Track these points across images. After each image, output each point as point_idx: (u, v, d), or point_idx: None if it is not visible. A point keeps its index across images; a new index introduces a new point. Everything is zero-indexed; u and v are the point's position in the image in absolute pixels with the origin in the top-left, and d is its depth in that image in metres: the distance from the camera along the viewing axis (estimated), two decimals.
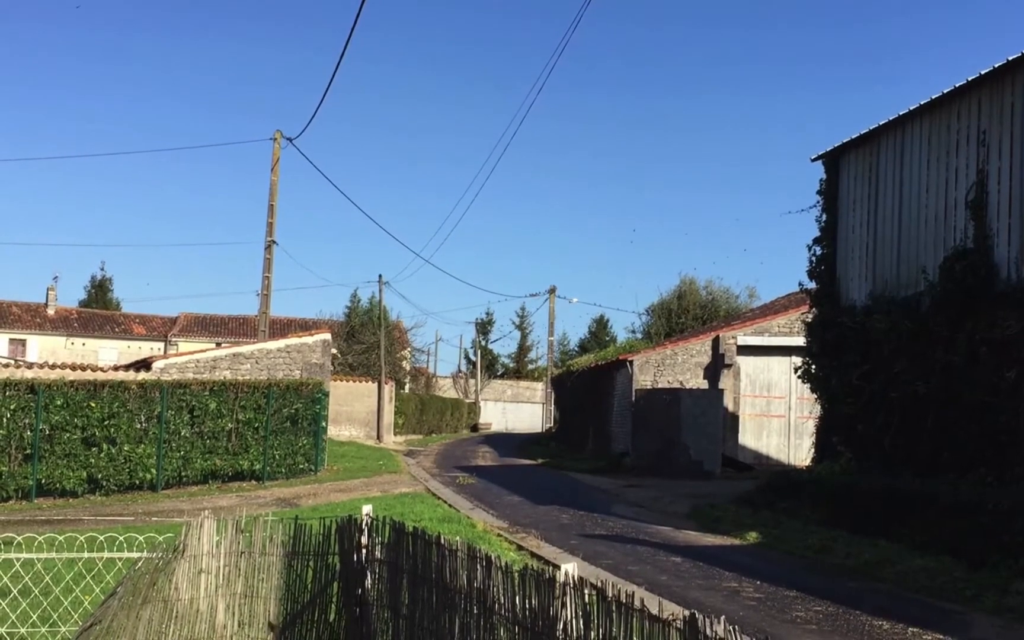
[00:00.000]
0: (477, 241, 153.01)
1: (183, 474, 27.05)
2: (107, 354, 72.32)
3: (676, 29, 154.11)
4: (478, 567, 6.33)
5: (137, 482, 26.14)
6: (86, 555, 9.34)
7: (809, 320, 25.77)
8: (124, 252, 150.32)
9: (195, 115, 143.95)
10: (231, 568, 8.79)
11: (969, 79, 19.45)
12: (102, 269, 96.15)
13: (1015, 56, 18.23)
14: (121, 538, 9.90)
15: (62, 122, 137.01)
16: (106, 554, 9.42)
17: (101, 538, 9.77)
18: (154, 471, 26.34)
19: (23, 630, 9.78)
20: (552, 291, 77.54)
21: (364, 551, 8.46)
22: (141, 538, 9.74)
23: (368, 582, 8.39)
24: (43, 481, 24.80)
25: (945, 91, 20.22)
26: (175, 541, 8.63)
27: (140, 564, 8.41)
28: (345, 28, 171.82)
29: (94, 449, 25.42)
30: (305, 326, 64.11)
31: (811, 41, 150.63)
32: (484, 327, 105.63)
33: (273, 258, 39.84)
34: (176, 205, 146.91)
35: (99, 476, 25.47)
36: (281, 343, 34.15)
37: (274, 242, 39.95)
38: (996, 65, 18.72)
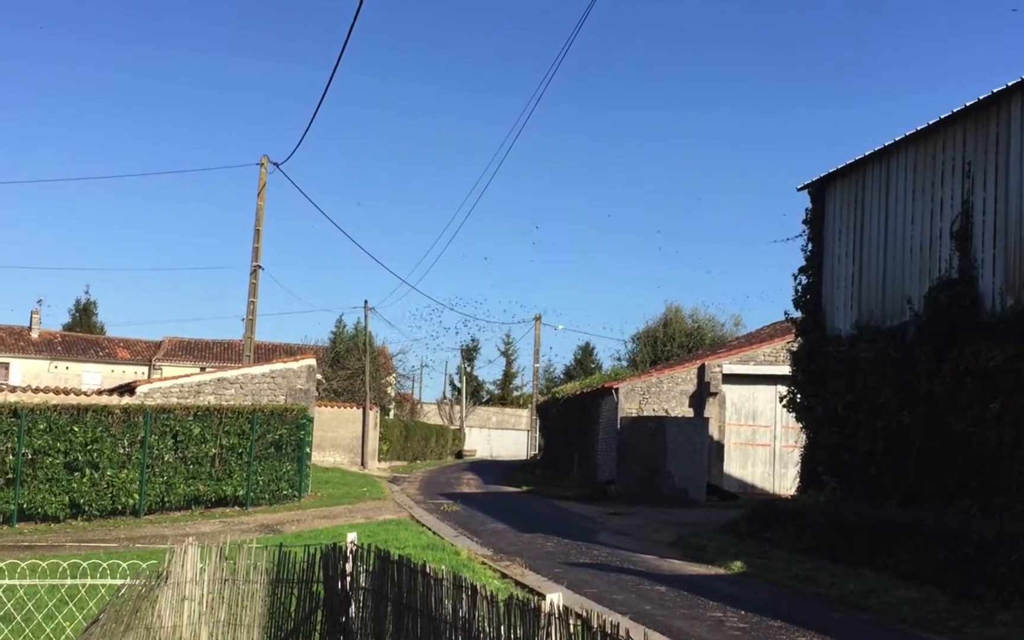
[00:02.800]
0: (464, 266, 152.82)
1: (166, 499, 26.91)
2: (91, 378, 71.99)
3: (663, 48, 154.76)
4: (463, 596, 6.31)
5: (120, 507, 25.99)
6: (68, 582, 9.27)
7: (794, 349, 25.82)
8: (109, 276, 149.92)
9: (183, 138, 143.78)
10: (214, 596, 8.75)
11: (954, 110, 19.57)
12: (87, 292, 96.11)
13: (1000, 88, 18.35)
14: (104, 564, 9.83)
15: (47, 145, 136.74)
16: (88, 581, 9.34)
17: (84, 564, 9.69)
18: (137, 496, 26.19)
19: None
20: (538, 318, 77.63)
21: (348, 579, 8.42)
22: (124, 565, 9.68)
23: (352, 611, 8.35)
24: (25, 506, 24.64)
25: (930, 122, 20.35)
26: (158, 568, 8.58)
27: (123, 591, 8.36)
28: (333, 50, 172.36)
29: (77, 474, 25.27)
30: (290, 351, 63.95)
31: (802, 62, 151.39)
32: (470, 353, 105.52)
33: (259, 283, 39.79)
34: (162, 229, 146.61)
35: (81, 501, 25.31)
36: (266, 368, 34.04)
37: (260, 267, 39.90)
38: (981, 97, 18.85)
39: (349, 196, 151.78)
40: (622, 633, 4.51)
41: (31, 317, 77.99)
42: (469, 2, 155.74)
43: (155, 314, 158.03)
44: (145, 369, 73.88)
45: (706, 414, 37.74)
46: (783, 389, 27.50)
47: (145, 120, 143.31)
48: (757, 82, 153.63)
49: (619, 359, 73.41)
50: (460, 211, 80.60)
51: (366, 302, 60.93)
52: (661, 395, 39.12)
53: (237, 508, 28.20)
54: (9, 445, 24.55)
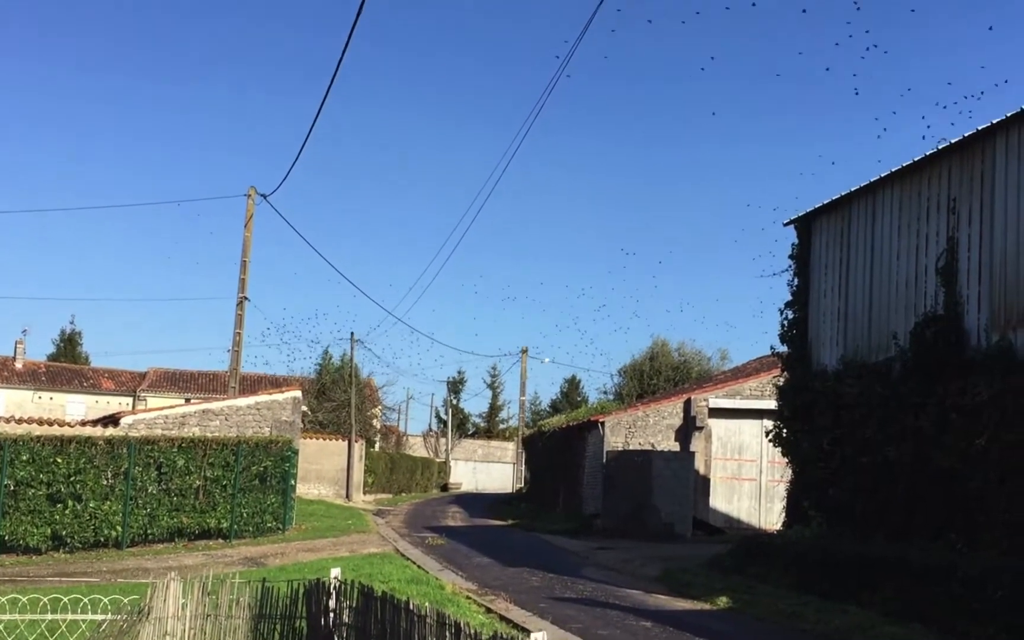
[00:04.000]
0: (451, 299, 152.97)
1: (149, 531, 26.73)
2: (75, 408, 71.66)
3: (655, 84, 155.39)
4: (447, 634, 6.26)
5: (102, 539, 25.82)
6: (49, 617, 9.19)
7: (781, 384, 25.84)
8: (94, 306, 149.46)
9: (170, 168, 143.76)
10: (196, 631, 8.67)
11: (939, 147, 19.69)
12: (72, 323, 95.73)
13: (984, 126, 18.47)
14: (85, 599, 9.73)
15: (33, 175, 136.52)
16: (69, 616, 9.26)
17: (65, 599, 9.61)
18: (120, 528, 26.03)
19: None
20: (524, 351, 77.51)
21: (332, 615, 8.35)
22: (105, 599, 9.58)
23: None
24: (6, 537, 24.46)
25: (916, 159, 20.45)
26: (140, 603, 8.50)
27: (104, 627, 8.28)
28: (322, 79, 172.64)
29: (59, 505, 25.11)
30: (276, 383, 63.73)
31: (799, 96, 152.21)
32: (456, 386, 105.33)
33: (245, 314, 39.68)
34: (148, 258, 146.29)
35: (64, 533, 25.15)
36: (251, 400, 33.94)
37: (246, 298, 39.81)
38: (966, 134, 18.96)
39: (337, 225, 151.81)
40: None
41: (15, 347, 77.66)
42: (459, 31, 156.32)
43: (140, 345, 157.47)
44: (130, 400, 73.57)
45: (692, 448, 37.70)
46: (769, 423, 27.50)
47: (132, 150, 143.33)
48: (740, 115, 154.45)
49: (605, 392, 73.38)
50: (450, 240, 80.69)
51: (352, 334, 61.03)
52: (647, 429, 39.09)
53: (221, 541, 28.03)
54: None
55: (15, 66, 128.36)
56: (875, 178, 21.85)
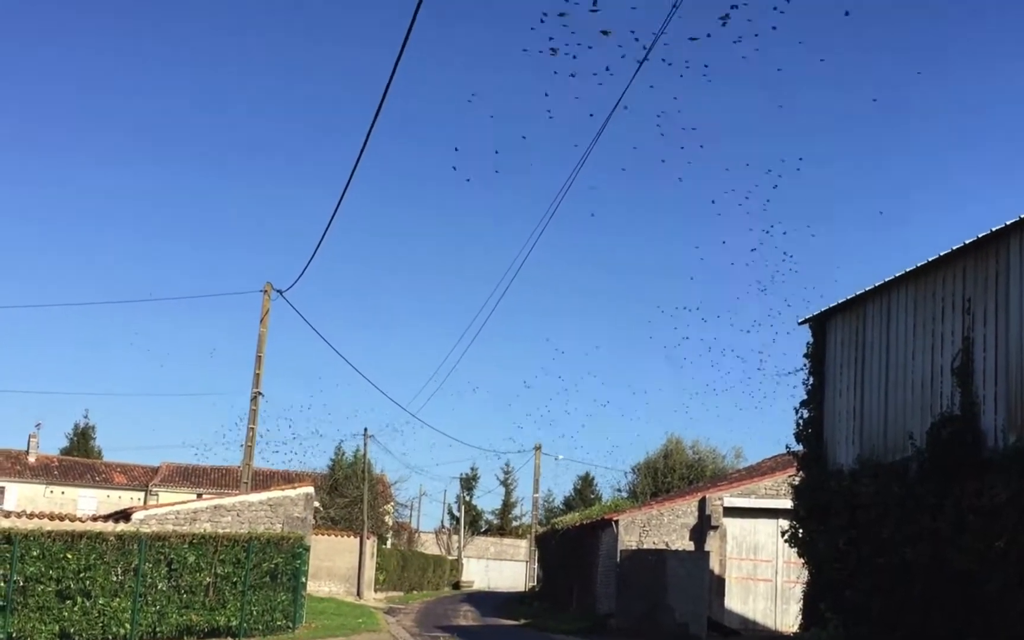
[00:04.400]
0: (464, 395, 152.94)
1: (158, 629, 26.48)
2: (87, 503, 71.54)
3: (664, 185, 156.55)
4: None
5: (111, 636, 25.57)
6: None
7: (796, 483, 25.66)
8: (107, 400, 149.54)
9: (184, 261, 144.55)
10: None
11: (954, 248, 19.72)
12: (85, 416, 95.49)
13: (999, 227, 18.51)
14: None
15: (47, 270, 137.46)
16: None
17: None
18: (128, 626, 25.79)
19: None
20: (538, 448, 77.17)
21: None
22: None
23: None
24: (14, 635, 24.26)
25: (930, 259, 20.48)
26: None
27: None
28: (340, 176, 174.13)
29: (68, 602, 24.93)
30: (288, 479, 63.59)
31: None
32: (468, 483, 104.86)
33: (258, 409, 39.67)
34: (162, 353, 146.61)
35: (72, 630, 24.93)
36: (263, 496, 33.77)
37: (260, 394, 39.79)
38: (980, 235, 19.00)
39: (352, 314, 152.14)
40: None
41: (29, 441, 77.80)
42: (474, 138, 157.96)
43: (153, 439, 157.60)
44: (142, 495, 73.48)
45: (707, 548, 37.36)
46: (785, 523, 27.24)
47: (146, 244, 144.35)
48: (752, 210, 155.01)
49: (619, 490, 73.06)
50: (466, 334, 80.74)
51: (365, 430, 60.78)
52: (662, 528, 38.77)
53: (230, 639, 27.74)
54: (1, 572, 24.25)
55: (29, 159, 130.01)
56: (889, 278, 21.89)
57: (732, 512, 38.02)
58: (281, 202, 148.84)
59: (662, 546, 37.55)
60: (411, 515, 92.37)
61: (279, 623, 29.27)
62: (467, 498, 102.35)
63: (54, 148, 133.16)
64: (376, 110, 16.25)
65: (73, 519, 29.81)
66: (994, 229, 18.66)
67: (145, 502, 64.27)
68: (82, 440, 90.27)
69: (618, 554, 37.35)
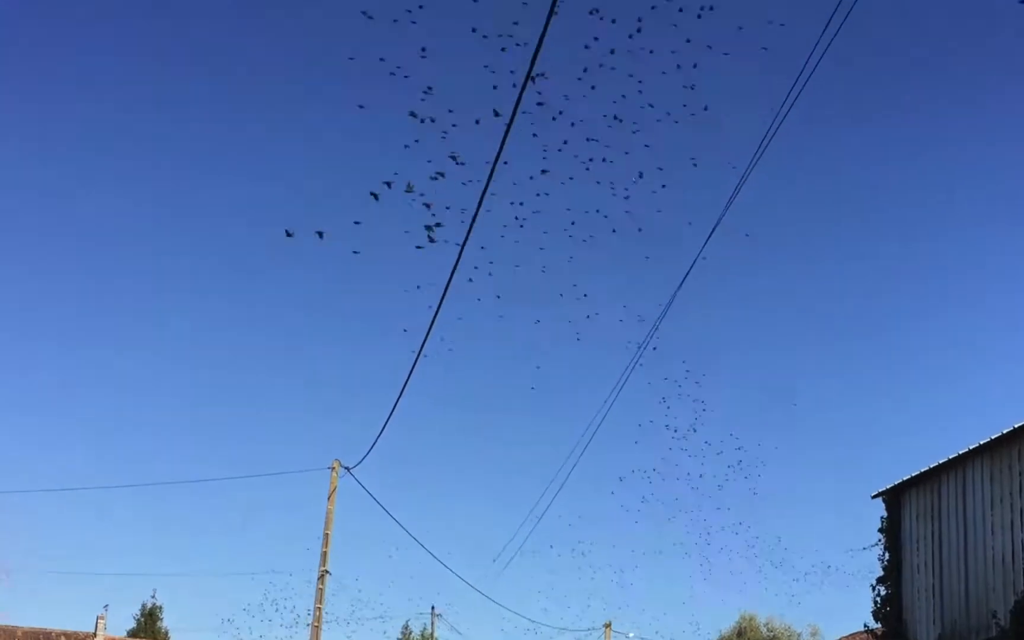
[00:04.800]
0: (534, 569, 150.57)
1: None
2: None
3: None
4: None
5: None
6: None
7: None
8: (175, 580, 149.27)
9: (252, 437, 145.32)
10: None
11: None
12: (153, 597, 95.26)
13: None
14: None
15: (116, 449, 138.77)
16: None
17: None
18: None
19: None
20: (608, 625, 75.61)
21: None
22: None
23: None
24: None
25: (1004, 431, 20.16)
26: None
27: None
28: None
29: None
30: None
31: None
32: None
33: (325, 588, 39.35)
34: (229, 531, 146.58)
35: None
36: None
37: (327, 572, 39.50)
38: None
39: (420, 484, 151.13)
40: None
41: (96, 623, 77.57)
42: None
43: (222, 616, 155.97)
44: None
45: None
46: None
47: (209, 424, 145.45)
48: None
49: None
50: (538, 505, 79.78)
51: (433, 608, 59.88)
52: None
53: None
54: None
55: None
56: (963, 450, 21.55)
57: None
58: (350, 374, 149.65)
59: None
60: None
61: None
62: None
63: (105, 334, 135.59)
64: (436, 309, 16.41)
65: None
66: None
67: None
68: (149, 620, 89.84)
69: None
